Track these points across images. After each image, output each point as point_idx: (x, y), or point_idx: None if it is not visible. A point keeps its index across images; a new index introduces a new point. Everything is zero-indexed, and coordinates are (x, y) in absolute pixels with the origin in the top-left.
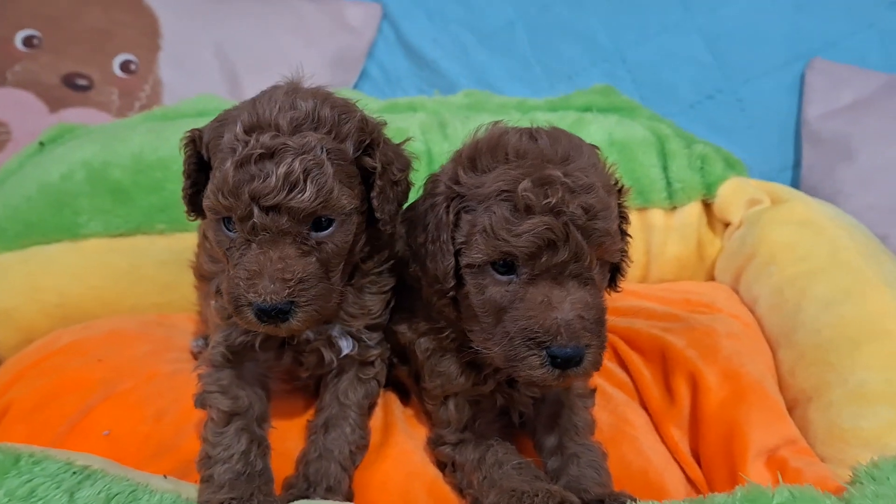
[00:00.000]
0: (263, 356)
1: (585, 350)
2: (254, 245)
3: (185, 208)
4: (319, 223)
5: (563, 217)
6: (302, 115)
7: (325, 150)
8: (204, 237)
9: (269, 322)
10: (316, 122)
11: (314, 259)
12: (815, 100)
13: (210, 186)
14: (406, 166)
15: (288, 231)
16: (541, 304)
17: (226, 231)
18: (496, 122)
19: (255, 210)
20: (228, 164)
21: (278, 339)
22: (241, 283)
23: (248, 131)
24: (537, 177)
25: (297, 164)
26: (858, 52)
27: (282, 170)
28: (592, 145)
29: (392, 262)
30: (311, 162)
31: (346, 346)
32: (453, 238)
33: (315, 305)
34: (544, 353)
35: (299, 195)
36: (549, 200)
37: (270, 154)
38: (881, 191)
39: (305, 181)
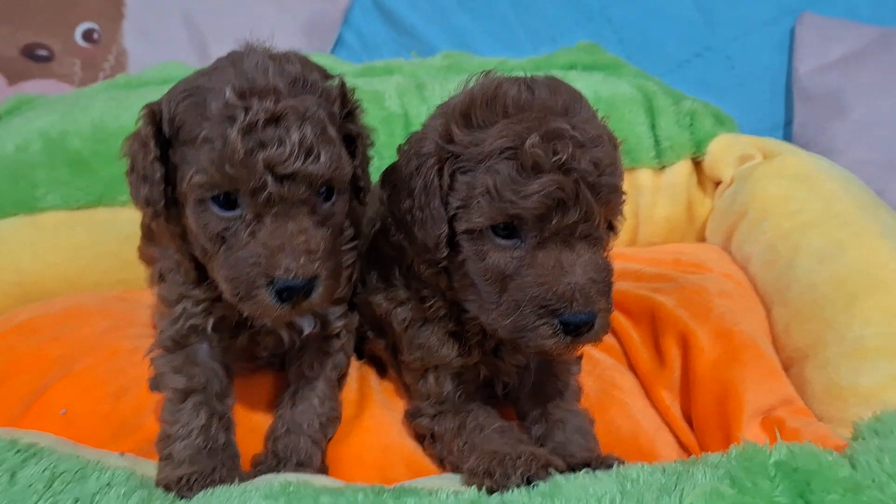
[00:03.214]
0: (217, 337)
1: (598, 314)
2: (267, 219)
3: (149, 210)
4: (324, 192)
5: (573, 174)
6: (293, 77)
7: (326, 113)
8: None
9: (289, 301)
10: (309, 86)
11: (329, 230)
12: (805, 55)
13: (204, 159)
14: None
15: (305, 201)
16: (552, 270)
17: (219, 211)
18: (488, 72)
19: (270, 180)
20: (232, 131)
21: (231, 322)
22: (261, 262)
23: (243, 96)
24: (544, 131)
25: (307, 128)
26: (850, 5)
27: (294, 135)
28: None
29: (356, 241)
30: (318, 126)
31: (307, 325)
32: (447, 202)
33: (333, 279)
34: (556, 321)
35: (315, 161)
36: (558, 157)
37: (276, 119)
38: (876, 145)
39: (318, 146)
